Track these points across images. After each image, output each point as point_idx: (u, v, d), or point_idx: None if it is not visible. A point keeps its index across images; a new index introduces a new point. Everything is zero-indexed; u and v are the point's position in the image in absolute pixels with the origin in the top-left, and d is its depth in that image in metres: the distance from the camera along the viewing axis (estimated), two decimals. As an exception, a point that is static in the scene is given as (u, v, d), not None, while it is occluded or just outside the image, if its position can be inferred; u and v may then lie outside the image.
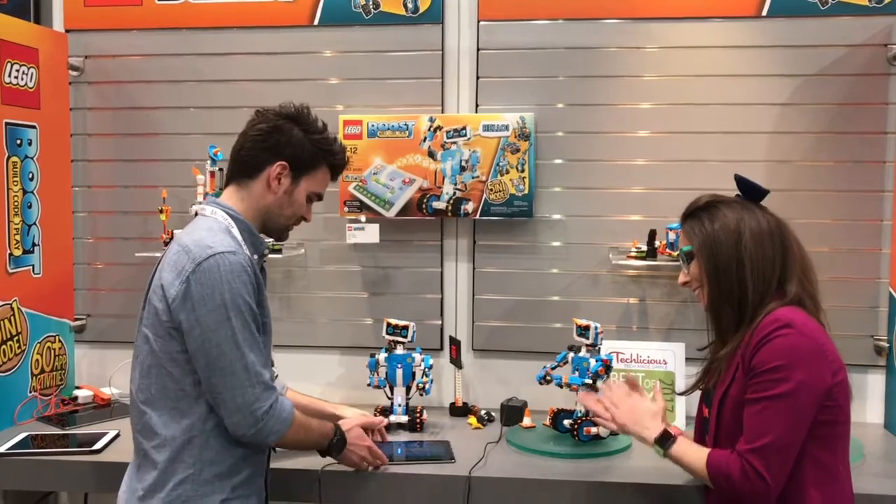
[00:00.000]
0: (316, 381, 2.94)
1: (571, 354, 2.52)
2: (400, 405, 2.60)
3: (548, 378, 2.51)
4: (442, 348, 2.91)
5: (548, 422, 2.54)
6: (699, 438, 1.92)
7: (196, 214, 1.93)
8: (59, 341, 2.89)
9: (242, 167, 1.91)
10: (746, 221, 1.78)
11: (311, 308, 2.95)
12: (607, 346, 2.61)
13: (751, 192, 1.86)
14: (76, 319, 3.00)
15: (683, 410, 2.65)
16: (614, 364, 2.54)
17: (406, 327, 2.61)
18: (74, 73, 2.99)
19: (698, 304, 1.90)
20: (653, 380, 2.70)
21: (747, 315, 1.76)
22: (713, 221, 1.80)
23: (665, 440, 1.84)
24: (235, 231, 1.85)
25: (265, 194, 1.90)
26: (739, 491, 1.68)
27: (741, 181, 1.86)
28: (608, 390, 2.03)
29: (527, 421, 2.62)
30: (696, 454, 1.78)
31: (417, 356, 2.61)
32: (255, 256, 1.89)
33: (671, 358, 2.70)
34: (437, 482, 2.20)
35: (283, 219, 1.95)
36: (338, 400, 2.84)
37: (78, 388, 2.91)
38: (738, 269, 1.75)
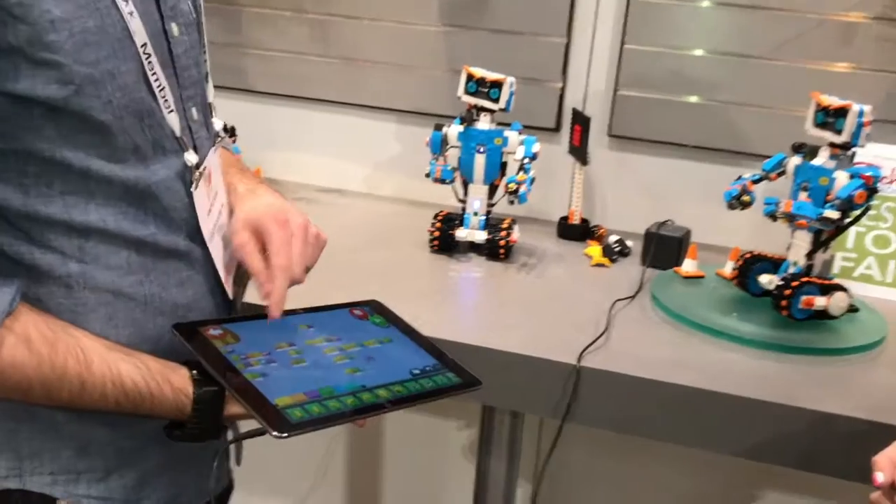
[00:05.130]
0: (350, 157, 1.95)
1: (796, 159, 1.37)
2: (476, 214, 1.60)
3: (744, 199, 1.39)
4: (558, 129, 1.81)
5: (728, 271, 1.49)
6: None
7: None
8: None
9: None
10: None
11: (354, 41, 1.88)
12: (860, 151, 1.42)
13: None
14: None
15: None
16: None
17: (499, 84, 1.55)
18: None
19: None
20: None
21: None
22: None
23: None
24: None
25: None
26: None
27: None
28: None
29: (689, 265, 1.54)
30: None
31: (513, 136, 1.58)
32: None
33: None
34: (538, 369, 1.22)
35: None
36: (388, 192, 1.89)
37: None
38: None
